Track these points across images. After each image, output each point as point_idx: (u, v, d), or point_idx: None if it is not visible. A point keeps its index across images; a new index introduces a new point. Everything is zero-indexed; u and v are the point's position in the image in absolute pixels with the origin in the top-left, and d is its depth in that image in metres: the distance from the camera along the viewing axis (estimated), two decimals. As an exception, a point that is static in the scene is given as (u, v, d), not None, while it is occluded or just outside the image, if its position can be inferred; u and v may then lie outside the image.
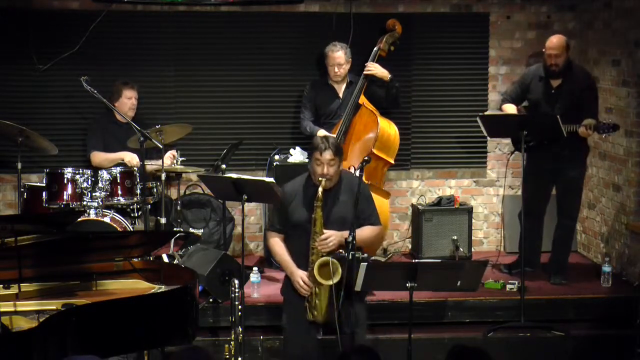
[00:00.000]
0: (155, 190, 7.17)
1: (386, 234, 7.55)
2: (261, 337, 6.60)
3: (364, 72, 7.43)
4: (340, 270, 5.60)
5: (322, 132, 7.16)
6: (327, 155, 5.67)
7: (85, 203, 6.92)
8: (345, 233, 5.65)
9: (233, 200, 6.80)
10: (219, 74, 8.03)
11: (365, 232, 5.84)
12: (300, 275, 5.78)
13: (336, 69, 7.42)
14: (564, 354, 6.70)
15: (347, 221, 5.72)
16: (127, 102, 7.37)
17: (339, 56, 7.40)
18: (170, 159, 7.23)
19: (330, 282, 5.62)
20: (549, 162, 7.16)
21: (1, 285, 5.18)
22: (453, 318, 6.91)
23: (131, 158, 7.18)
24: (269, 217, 6.23)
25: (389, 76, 7.44)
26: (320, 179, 5.68)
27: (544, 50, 7.21)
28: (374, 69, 7.42)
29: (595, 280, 7.33)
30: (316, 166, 5.72)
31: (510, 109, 7.34)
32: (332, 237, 5.69)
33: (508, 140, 7.71)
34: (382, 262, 7.49)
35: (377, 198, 7.16)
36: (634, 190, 7.38)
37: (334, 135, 7.12)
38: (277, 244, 5.97)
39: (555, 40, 7.13)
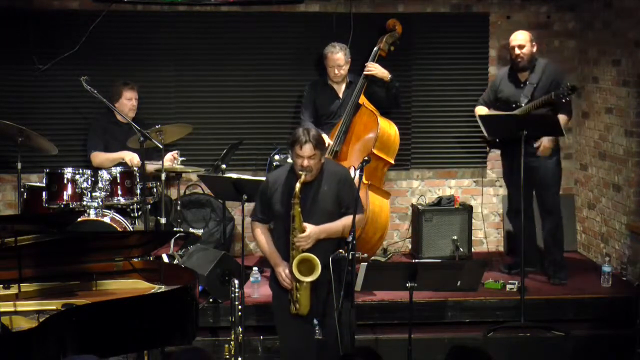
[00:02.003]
0: (155, 190, 7.18)
1: (386, 234, 7.54)
2: (261, 337, 6.60)
3: (364, 72, 7.42)
4: (319, 266, 5.57)
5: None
6: (307, 148, 5.57)
7: (85, 203, 6.92)
8: (324, 227, 5.61)
9: (233, 200, 6.80)
10: (219, 74, 8.03)
11: (342, 222, 5.71)
12: (282, 268, 5.72)
13: (336, 70, 7.41)
14: (564, 354, 6.70)
15: (329, 212, 5.67)
16: (127, 103, 7.36)
17: (338, 57, 7.39)
18: (171, 160, 7.22)
19: (309, 279, 5.59)
20: (523, 159, 7.12)
21: (1, 285, 5.18)
22: (453, 318, 6.90)
23: (132, 157, 7.18)
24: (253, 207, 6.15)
25: (389, 76, 7.44)
26: (300, 172, 5.65)
27: (510, 47, 7.33)
28: (374, 69, 7.42)
29: (595, 280, 7.32)
30: (296, 159, 5.64)
31: (482, 110, 7.45)
32: (310, 234, 5.61)
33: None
34: (382, 262, 7.50)
35: (377, 198, 7.19)
36: (634, 190, 7.37)
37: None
38: (261, 235, 5.86)
39: (520, 35, 7.31)
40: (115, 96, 7.35)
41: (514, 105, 7.19)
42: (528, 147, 7.05)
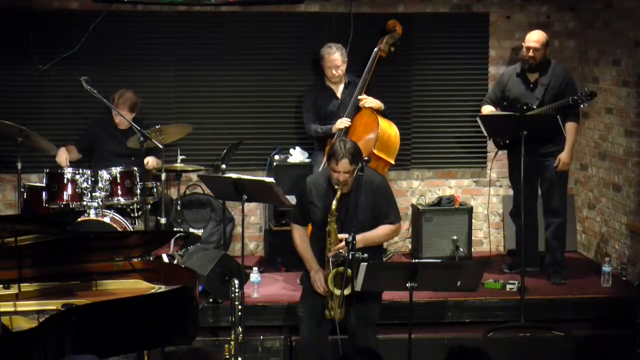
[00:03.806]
0: (155, 190, 7.18)
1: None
2: (261, 337, 6.60)
3: (359, 105, 7.36)
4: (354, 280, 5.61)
5: (339, 125, 7.16)
6: (343, 164, 5.64)
7: (85, 203, 6.91)
8: (360, 236, 5.64)
9: (233, 200, 6.80)
10: (219, 74, 8.03)
11: (379, 232, 5.84)
12: (318, 275, 5.80)
13: (334, 71, 7.39)
14: (564, 354, 6.69)
15: (366, 224, 5.74)
16: (117, 121, 7.36)
17: (335, 58, 7.38)
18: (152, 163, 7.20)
19: (344, 293, 5.65)
20: (531, 158, 7.13)
21: (1, 285, 5.18)
22: (453, 318, 6.90)
23: (59, 157, 7.20)
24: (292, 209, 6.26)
25: (383, 106, 7.40)
26: (336, 185, 5.69)
27: (522, 44, 7.27)
28: (370, 102, 7.36)
29: (595, 280, 7.32)
30: (332, 172, 5.72)
31: (488, 110, 7.42)
32: (345, 248, 5.68)
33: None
34: (382, 262, 7.48)
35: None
36: (634, 190, 7.37)
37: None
38: (300, 237, 5.99)
39: (536, 35, 7.25)
40: (112, 102, 7.32)
41: (525, 107, 7.15)
42: (539, 147, 7.06)
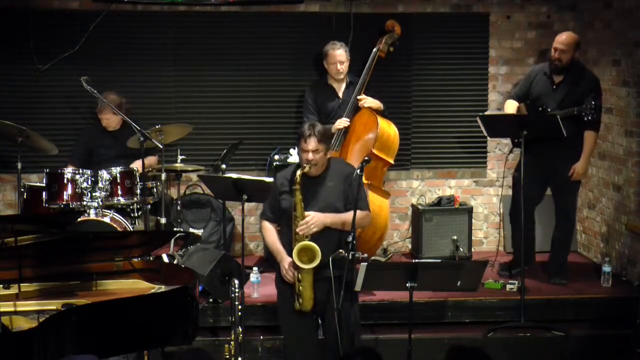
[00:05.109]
0: (155, 190, 7.18)
1: (386, 234, 7.54)
2: (261, 337, 6.61)
3: (359, 104, 7.38)
4: (319, 254, 5.59)
5: (339, 125, 7.17)
6: (311, 142, 5.65)
7: (85, 203, 6.92)
8: (329, 215, 5.65)
9: (233, 200, 6.81)
10: (219, 74, 8.03)
11: (349, 216, 5.76)
12: (286, 262, 5.76)
13: (338, 66, 7.40)
14: (564, 354, 6.70)
15: (334, 208, 5.71)
16: (104, 121, 7.37)
17: (340, 54, 7.39)
18: None
19: (310, 266, 5.61)
20: (545, 160, 7.13)
21: (1, 285, 5.18)
22: (453, 318, 6.91)
23: None
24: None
25: (382, 106, 7.40)
26: (304, 165, 5.71)
27: (553, 46, 7.20)
28: (369, 102, 7.36)
29: (595, 280, 7.33)
30: (302, 153, 5.73)
31: (511, 106, 7.36)
32: (313, 218, 5.67)
33: (508, 140, 7.70)
34: (382, 262, 7.49)
35: (376, 198, 7.19)
36: (634, 190, 7.38)
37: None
38: (269, 232, 5.91)
39: (564, 36, 7.15)
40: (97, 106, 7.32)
41: (540, 109, 7.12)
42: (554, 147, 7.03)
